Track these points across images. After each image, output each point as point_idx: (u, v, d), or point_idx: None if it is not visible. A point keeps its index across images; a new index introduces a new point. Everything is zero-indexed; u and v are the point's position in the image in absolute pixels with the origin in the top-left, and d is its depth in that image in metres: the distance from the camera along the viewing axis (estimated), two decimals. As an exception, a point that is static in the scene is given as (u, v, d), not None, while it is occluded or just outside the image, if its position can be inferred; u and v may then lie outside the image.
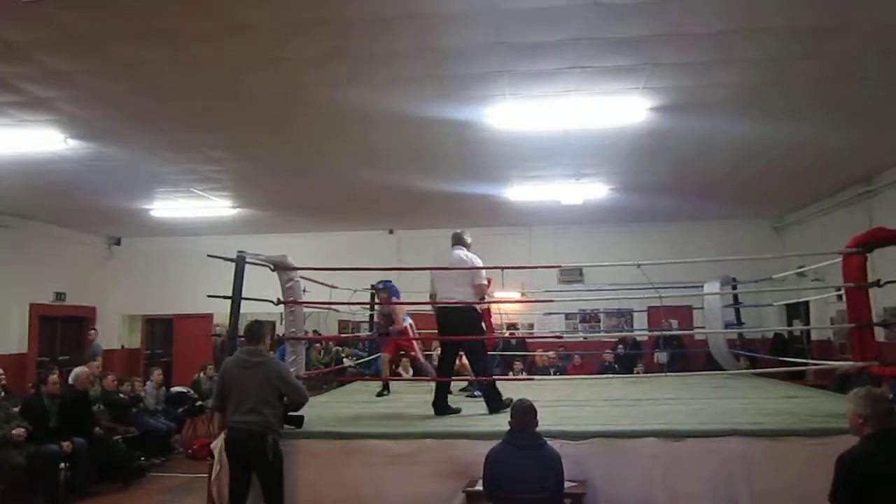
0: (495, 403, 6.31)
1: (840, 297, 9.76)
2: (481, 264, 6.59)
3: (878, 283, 5.89)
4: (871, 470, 3.74)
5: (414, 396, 7.52)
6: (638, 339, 13.80)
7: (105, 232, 14.92)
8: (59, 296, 13.50)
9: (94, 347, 13.30)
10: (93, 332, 13.94)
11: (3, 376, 8.81)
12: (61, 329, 13.89)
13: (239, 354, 5.54)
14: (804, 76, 6.16)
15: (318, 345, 13.34)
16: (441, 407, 6.34)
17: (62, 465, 7.71)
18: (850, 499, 3.82)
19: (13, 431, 7.34)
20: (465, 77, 6.13)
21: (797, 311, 12.58)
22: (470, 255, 6.66)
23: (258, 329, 5.54)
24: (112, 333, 15.10)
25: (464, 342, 6.48)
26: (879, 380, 6.65)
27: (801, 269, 10.69)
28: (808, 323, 12.24)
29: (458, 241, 6.80)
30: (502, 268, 7.07)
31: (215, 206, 11.50)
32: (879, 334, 6.93)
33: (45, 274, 13.07)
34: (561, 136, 7.79)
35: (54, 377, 8.41)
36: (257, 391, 5.18)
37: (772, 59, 5.80)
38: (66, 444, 7.73)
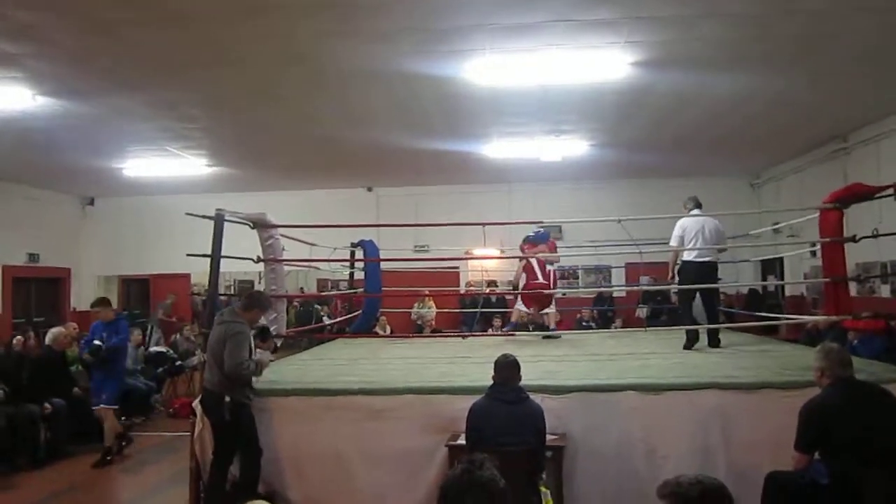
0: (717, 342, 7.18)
1: (814, 253, 9.92)
2: None
3: (853, 239, 5.96)
4: (830, 417, 3.94)
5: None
6: (615, 294, 13.93)
7: (78, 192, 14.68)
8: (33, 257, 13.33)
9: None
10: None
11: None
12: (35, 290, 13.73)
13: (218, 314, 5.54)
14: (784, 32, 6.15)
15: (294, 304, 13.32)
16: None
17: (42, 425, 7.68)
18: (813, 446, 4.00)
19: (-9, 394, 7.27)
20: (444, 31, 6.04)
21: (772, 267, 12.76)
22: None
23: (251, 298, 5.53)
24: (88, 294, 14.92)
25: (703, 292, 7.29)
26: (845, 333, 6.83)
27: (777, 226, 10.81)
28: (782, 279, 12.42)
29: (699, 204, 7.41)
30: (483, 224, 7.03)
31: (190, 165, 11.33)
32: (852, 289, 7.04)
33: (17, 235, 12.87)
34: (541, 91, 7.73)
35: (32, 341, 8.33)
36: (212, 351, 5.22)
37: (753, 15, 5.78)
38: (45, 406, 7.69)
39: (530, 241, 9.18)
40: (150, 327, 13.77)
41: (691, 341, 7.24)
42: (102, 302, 8.22)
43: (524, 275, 8.85)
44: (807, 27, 6.02)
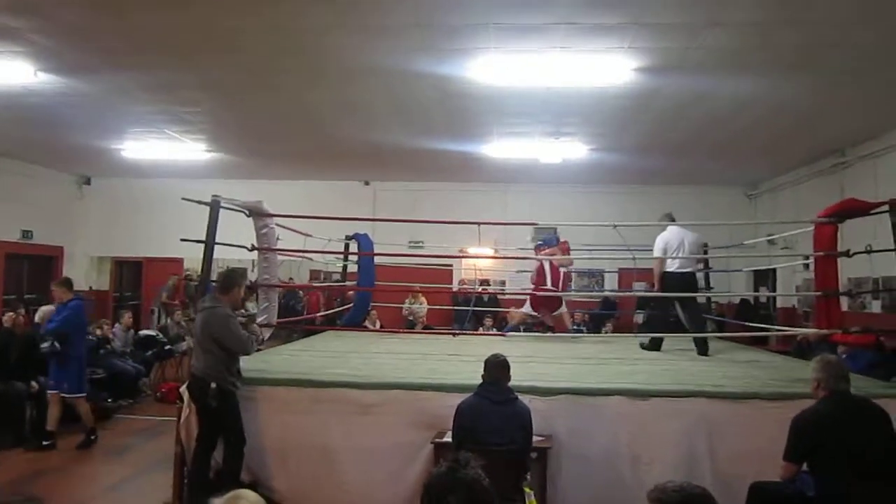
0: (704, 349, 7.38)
1: (806, 265, 9.95)
2: None
3: (847, 253, 5.98)
4: (823, 429, 3.95)
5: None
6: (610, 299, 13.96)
7: (75, 171, 14.61)
8: (27, 234, 13.27)
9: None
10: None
11: None
12: (28, 267, 13.69)
13: (200, 301, 5.54)
14: (785, 42, 6.15)
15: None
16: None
17: (28, 404, 7.65)
18: (803, 457, 4.02)
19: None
20: (450, 28, 6.02)
21: (764, 278, 12.80)
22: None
23: (225, 278, 5.48)
24: (80, 274, 14.87)
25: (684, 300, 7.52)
26: (835, 347, 6.86)
27: (771, 237, 10.84)
28: (774, 290, 12.46)
29: (673, 219, 7.77)
30: (479, 223, 7.03)
31: (189, 150, 11.29)
32: (843, 303, 7.07)
33: (12, 211, 12.79)
34: (543, 93, 7.72)
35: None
36: (197, 337, 5.24)
37: (756, 24, 5.77)
38: (32, 384, 7.66)
39: (543, 245, 9.25)
40: (154, 310, 13.80)
41: (655, 343, 7.68)
42: (61, 282, 7.84)
43: (535, 276, 9.08)
44: (808, 37, 6.02)
